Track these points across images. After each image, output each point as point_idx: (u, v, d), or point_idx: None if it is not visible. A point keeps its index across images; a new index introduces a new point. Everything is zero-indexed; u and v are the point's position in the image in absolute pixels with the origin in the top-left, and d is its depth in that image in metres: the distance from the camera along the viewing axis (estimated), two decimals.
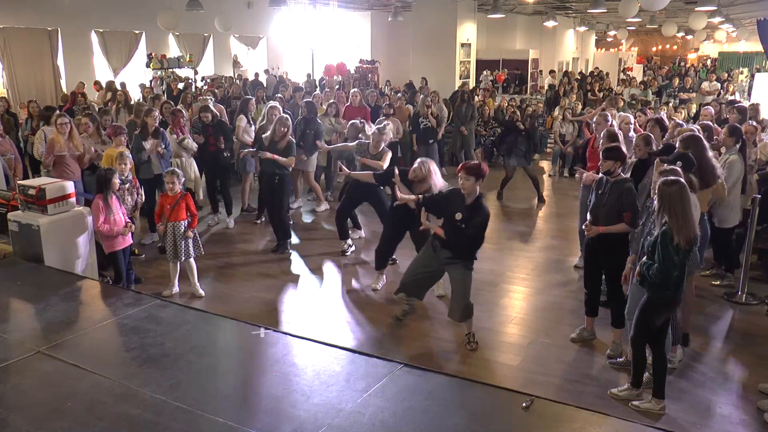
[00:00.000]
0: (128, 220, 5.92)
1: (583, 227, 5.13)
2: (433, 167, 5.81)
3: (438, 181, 5.78)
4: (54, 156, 6.88)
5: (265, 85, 16.30)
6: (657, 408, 4.20)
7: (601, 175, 5.05)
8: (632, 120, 7.13)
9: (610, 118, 7.01)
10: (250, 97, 10.00)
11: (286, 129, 7.28)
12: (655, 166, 4.85)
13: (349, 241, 7.47)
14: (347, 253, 7.38)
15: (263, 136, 7.50)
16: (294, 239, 7.79)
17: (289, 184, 7.57)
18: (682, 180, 4.05)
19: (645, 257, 4.16)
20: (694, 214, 4.22)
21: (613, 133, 5.90)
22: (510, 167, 10.00)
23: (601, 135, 6.33)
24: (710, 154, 5.35)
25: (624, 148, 5.11)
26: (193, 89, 15.68)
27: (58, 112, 8.71)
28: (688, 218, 3.92)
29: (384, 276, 6.47)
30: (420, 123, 10.86)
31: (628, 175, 5.37)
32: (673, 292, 4.05)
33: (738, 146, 6.18)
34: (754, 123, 7.14)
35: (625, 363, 4.77)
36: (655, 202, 4.24)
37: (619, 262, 4.93)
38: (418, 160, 5.89)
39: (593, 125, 7.18)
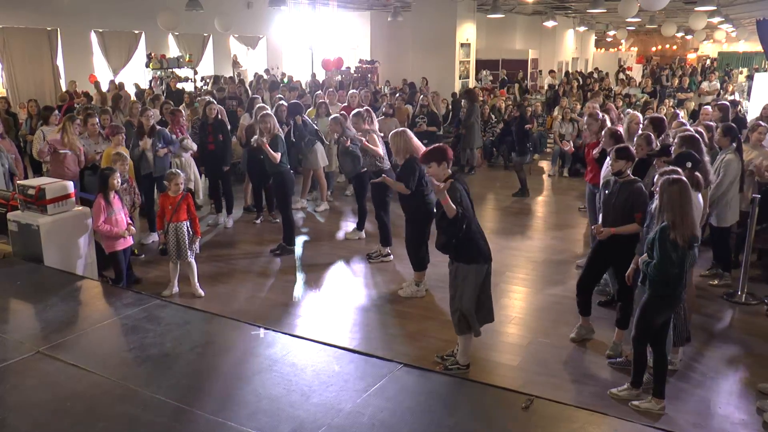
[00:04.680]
0: (130, 222, 5.92)
1: (593, 228, 5.12)
2: (409, 134, 6.04)
3: (419, 145, 5.98)
4: (52, 150, 6.91)
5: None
6: (657, 408, 4.20)
7: (610, 175, 5.07)
8: (641, 119, 7.11)
9: (600, 116, 6.98)
10: (257, 96, 10.02)
11: (268, 125, 7.23)
12: (657, 166, 4.86)
13: (388, 249, 7.21)
14: (372, 260, 7.19)
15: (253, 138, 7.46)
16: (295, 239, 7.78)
17: (289, 181, 7.46)
18: (684, 178, 4.06)
19: (644, 255, 4.17)
20: (697, 214, 4.23)
21: (616, 132, 5.89)
22: None
23: (594, 134, 6.35)
24: (706, 158, 5.38)
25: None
26: (193, 89, 15.71)
27: (56, 111, 8.75)
28: (687, 216, 3.93)
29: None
30: (416, 123, 10.85)
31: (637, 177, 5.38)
32: (672, 291, 4.06)
33: (734, 145, 6.19)
34: (764, 123, 7.12)
35: (624, 363, 4.76)
36: (656, 200, 4.26)
37: (629, 261, 4.93)
38: (393, 131, 6.10)
39: (585, 125, 7.17)
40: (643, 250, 4.53)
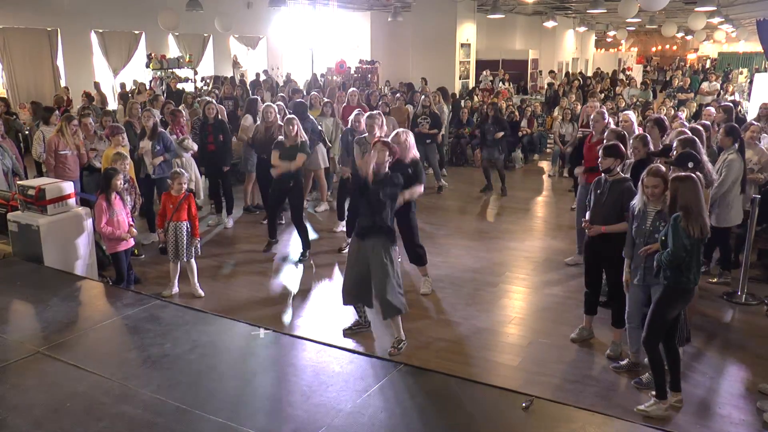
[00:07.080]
0: (131, 223, 5.92)
1: (583, 225, 5.13)
2: (410, 137, 6.01)
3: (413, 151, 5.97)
4: (54, 154, 6.93)
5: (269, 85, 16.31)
6: (674, 401, 4.19)
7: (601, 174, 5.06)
8: (633, 118, 7.12)
9: (606, 116, 7.00)
10: (257, 97, 10.00)
11: (294, 128, 7.22)
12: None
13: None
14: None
15: (280, 139, 7.34)
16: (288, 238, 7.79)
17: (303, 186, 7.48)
18: (694, 175, 4.07)
19: (660, 251, 4.13)
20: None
21: (620, 133, 5.89)
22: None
23: (599, 133, 6.33)
24: (705, 158, 5.39)
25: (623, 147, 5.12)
26: (193, 89, 15.71)
27: (56, 112, 8.75)
28: (701, 210, 3.97)
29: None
30: (417, 124, 10.84)
31: (628, 175, 5.38)
32: (686, 281, 4.04)
33: (737, 146, 6.19)
34: (756, 123, 7.14)
35: (627, 366, 4.75)
36: (637, 198, 4.36)
37: (620, 262, 4.93)
38: (396, 131, 6.08)
39: (591, 123, 7.19)
40: (632, 254, 4.53)
